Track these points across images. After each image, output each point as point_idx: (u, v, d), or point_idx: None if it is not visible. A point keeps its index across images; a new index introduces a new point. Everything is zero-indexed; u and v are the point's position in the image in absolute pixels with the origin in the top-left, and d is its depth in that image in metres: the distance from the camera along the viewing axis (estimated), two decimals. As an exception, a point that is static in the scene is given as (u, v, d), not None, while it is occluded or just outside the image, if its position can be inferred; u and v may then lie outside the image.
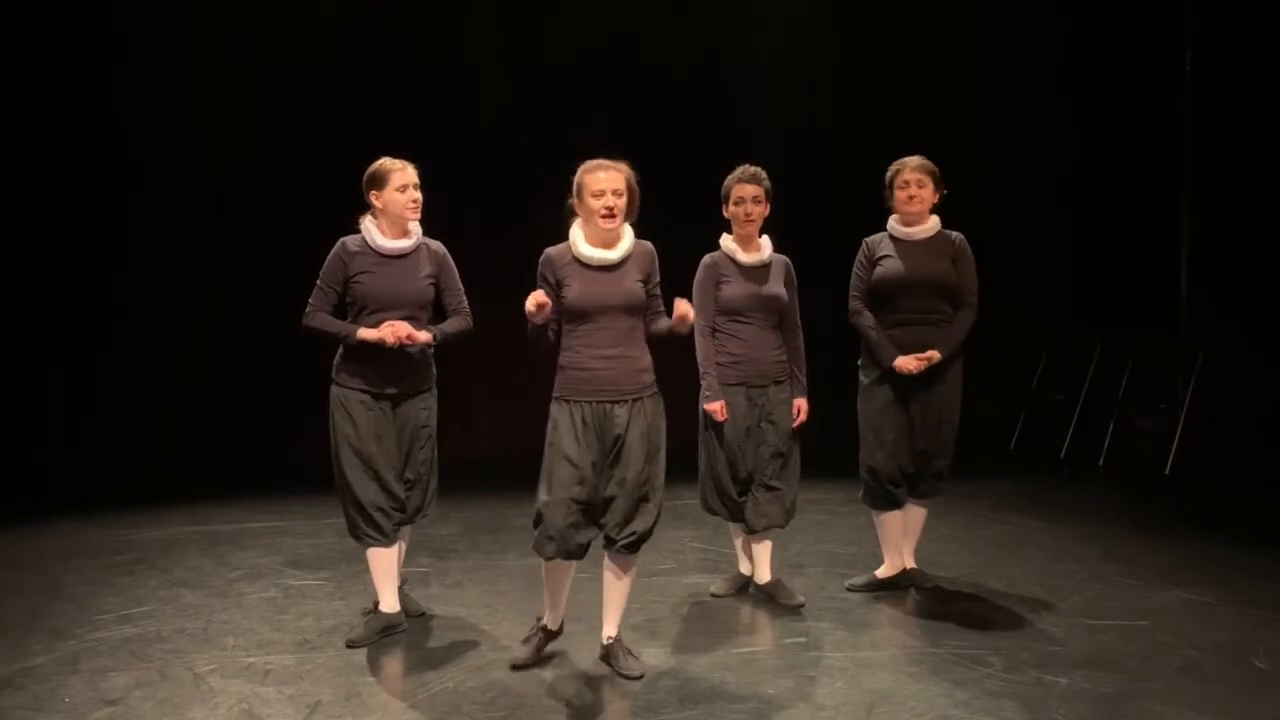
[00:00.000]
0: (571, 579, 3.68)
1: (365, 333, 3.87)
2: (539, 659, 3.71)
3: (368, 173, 3.96)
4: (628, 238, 3.59)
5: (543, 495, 3.52)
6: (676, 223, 4.64)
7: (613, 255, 3.54)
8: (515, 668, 3.67)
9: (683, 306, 3.51)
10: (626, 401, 3.54)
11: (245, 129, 7.41)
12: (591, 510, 3.54)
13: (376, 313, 3.90)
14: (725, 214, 4.33)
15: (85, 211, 7.31)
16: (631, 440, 3.53)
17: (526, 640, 3.76)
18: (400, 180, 3.92)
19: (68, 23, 7.15)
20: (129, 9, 7.19)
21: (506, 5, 7.74)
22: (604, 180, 3.47)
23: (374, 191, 3.95)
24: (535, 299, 3.43)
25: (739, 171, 4.31)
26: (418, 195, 3.96)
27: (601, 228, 3.50)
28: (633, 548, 3.60)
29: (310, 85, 7.48)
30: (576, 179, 3.54)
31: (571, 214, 3.59)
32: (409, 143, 7.20)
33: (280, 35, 7.43)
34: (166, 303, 7.48)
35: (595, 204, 3.48)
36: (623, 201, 3.49)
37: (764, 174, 4.29)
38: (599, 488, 3.54)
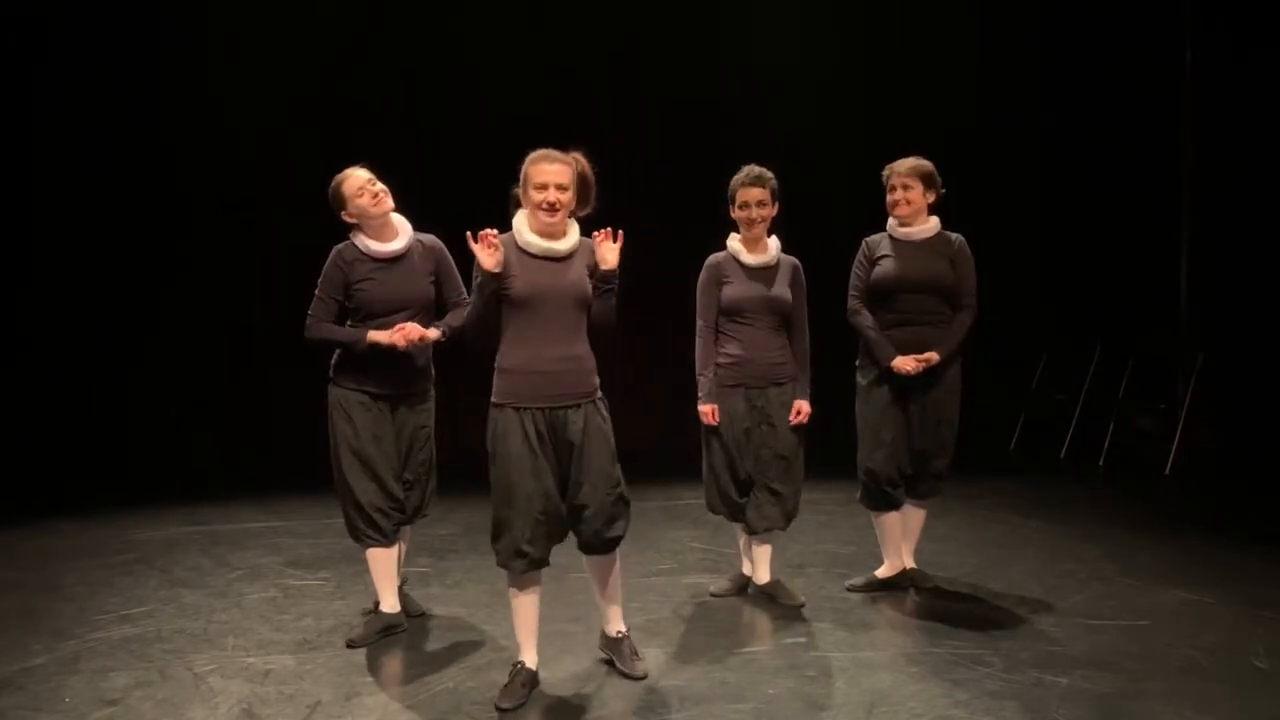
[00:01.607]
0: (540, 600, 3.53)
1: (376, 335, 3.85)
2: (528, 698, 3.45)
3: (329, 198, 3.94)
4: (574, 231, 3.45)
5: (501, 511, 3.39)
6: (683, 223, 4.66)
7: (560, 247, 3.39)
8: (502, 710, 3.38)
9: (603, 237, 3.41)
10: (580, 406, 3.40)
11: (236, 129, 7.41)
12: (554, 520, 3.42)
13: (382, 317, 3.90)
14: (732, 215, 4.32)
15: (83, 214, 7.32)
16: (593, 446, 3.40)
17: (509, 685, 3.46)
18: (354, 187, 3.89)
19: (71, 27, 7.16)
20: (135, 12, 7.23)
21: (511, 4, 7.74)
22: (548, 173, 3.32)
23: (341, 212, 3.94)
24: (486, 242, 3.25)
25: (744, 173, 4.27)
26: (378, 188, 3.91)
27: (542, 222, 3.36)
28: (612, 547, 3.53)
29: (307, 84, 7.48)
30: (522, 168, 3.38)
31: (516, 204, 3.44)
32: (407, 142, 7.26)
33: (272, 32, 7.43)
34: (166, 303, 7.49)
35: (537, 197, 3.33)
36: (566, 196, 3.34)
37: (769, 175, 4.26)
38: (560, 495, 3.43)
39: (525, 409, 3.38)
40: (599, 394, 3.49)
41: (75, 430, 7.26)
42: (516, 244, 3.40)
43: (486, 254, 3.29)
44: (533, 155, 3.39)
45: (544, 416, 3.38)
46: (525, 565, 3.40)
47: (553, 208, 3.34)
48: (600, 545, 3.51)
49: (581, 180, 3.41)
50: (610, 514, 3.46)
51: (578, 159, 3.41)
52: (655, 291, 5.87)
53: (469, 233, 3.31)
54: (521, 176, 3.39)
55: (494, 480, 3.43)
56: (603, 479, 3.42)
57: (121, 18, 7.22)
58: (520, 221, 3.44)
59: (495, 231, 3.32)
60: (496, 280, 3.33)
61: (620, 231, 3.43)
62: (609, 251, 3.41)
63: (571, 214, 3.45)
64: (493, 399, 3.45)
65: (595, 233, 3.43)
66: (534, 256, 3.39)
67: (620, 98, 7.62)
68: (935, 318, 4.33)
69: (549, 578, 3.62)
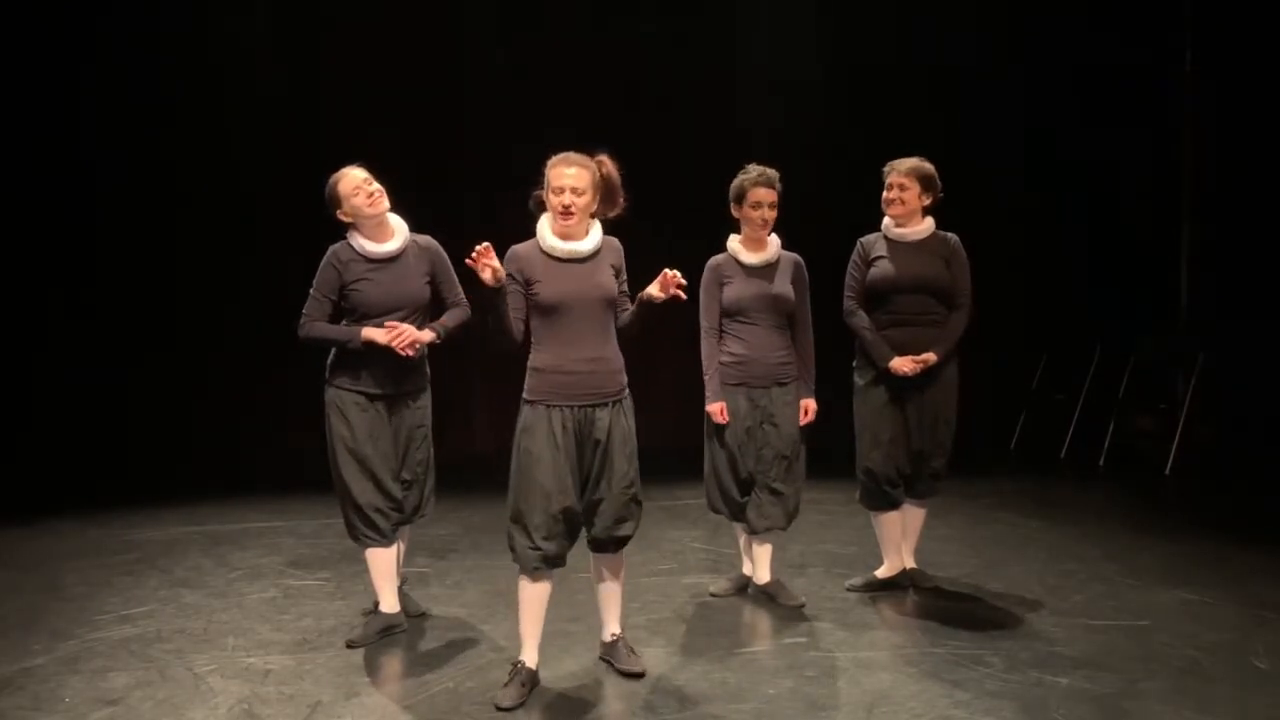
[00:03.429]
0: (549, 598, 3.54)
1: (371, 333, 3.85)
2: (528, 697, 3.45)
3: (325, 197, 3.95)
4: (596, 232, 3.49)
5: (520, 506, 3.41)
6: (683, 223, 4.65)
7: (583, 247, 3.43)
8: (502, 709, 3.38)
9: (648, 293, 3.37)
10: (608, 405, 3.45)
11: (235, 130, 7.42)
12: (571, 518, 3.45)
13: (377, 318, 3.90)
14: (735, 214, 4.31)
15: (83, 212, 7.33)
16: (615, 444, 3.45)
17: (509, 684, 3.46)
18: (349, 186, 3.90)
19: (55, 19, 7.17)
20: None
21: (510, 7, 7.75)
22: (564, 176, 3.36)
23: (337, 211, 3.95)
24: (493, 267, 3.20)
25: (754, 174, 4.25)
26: (373, 188, 3.91)
27: (559, 224, 3.40)
28: (621, 546, 3.58)
29: (307, 87, 7.48)
30: (545, 171, 3.42)
31: (540, 206, 3.48)
32: (406, 143, 7.25)
33: (273, 30, 7.43)
34: (166, 304, 7.49)
35: (554, 200, 3.38)
36: (582, 200, 3.37)
37: (776, 174, 4.27)
38: (579, 494, 3.46)
39: (555, 406, 3.41)
40: (627, 392, 3.54)
41: (75, 430, 7.26)
42: (541, 248, 3.44)
43: (483, 271, 3.25)
44: (554, 158, 3.42)
45: (572, 414, 3.42)
46: (538, 560, 3.42)
47: (567, 210, 3.37)
48: (609, 543, 3.54)
49: (605, 183, 3.45)
50: (621, 513, 3.50)
51: (602, 162, 3.45)
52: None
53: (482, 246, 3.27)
54: (544, 179, 3.43)
55: (515, 474, 3.45)
56: (619, 477, 3.47)
57: (122, 14, 7.23)
58: (544, 225, 3.47)
59: (487, 246, 3.25)
60: (498, 294, 3.31)
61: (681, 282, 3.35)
62: (663, 289, 3.34)
63: (594, 215, 3.48)
64: (524, 395, 3.47)
65: (668, 272, 3.32)
66: (559, 260, 3.42)
67: (618, 99, 7.62)
68: (931, 318, 4.32)
69: (549, 578, 3.63)
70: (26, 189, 7.20)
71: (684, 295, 3.39)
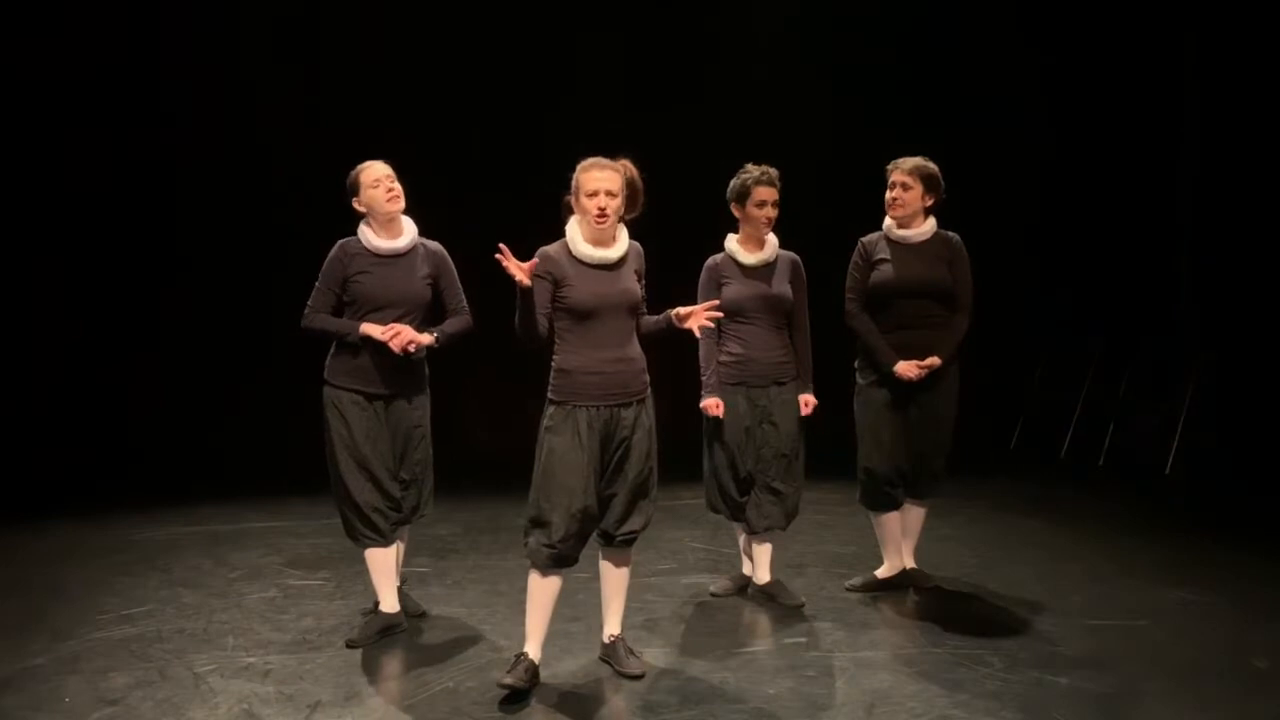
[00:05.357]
0: (558, 596, 3.57)
1: (369, 328, 3.87)
2: (529, 686, 3.48)
3: (346, 184, 3.99)
4: (623, 236, 3.58)
5: (541, 503, 3.45)
6: (679, 225, 4.64)
7: (613, 254, 3.51)
8: (504, 687, 3.45)
9: (684, 311, 3.50)
10: (633, 404, 3.53)
11: (241, 132, 7.42)
12: (589, 518, 3.49)
13: (374, 312, 3.92)
14: (736, 213, 4.30)
15: (87, 214, 7.33)
16: (637, 440, 3.53)
17: (513, 668, 3.50)
18: (371, 177, 3.94)
19: (68, 20, 7.17)
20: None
21: (509, 6, 7.75)
22: (598, 180, 3.44)
23: (354, 199, 3.98)
24: (519, 268, 3.27)
25: (757, 173, 4.25)
26: (393, 185, 3.95)
27: (594, 227, 3.47)
28: (631, 542, 3.63)
29: (315, 91, 7.50)
30: (574, 176, 3.50)
31: (569, 210, 3.56)
32: (411, 143, 7.24)
33: (281, 33, 7.44)
34: (166, 304, 7.49)
35: (589, 204, 3.44)
36: (616, 202, 3.45)
37: (777, 174, 4.27)
38: (599, 492, 3.52)
39: (581, 406, 3.47)
40: (649, 391, 3.61)
41: (75, 430, 7.26)
42: (570, 253, 3.49)
43: (516, 272, 3.30)
44: (584, 163, 3.50)
45: (598, 414, 3.47)
46: (551, 560, 3.46)
47: (603, 213, 3.43)
48: (618, 536, 3.58)
49: (630, 186, 3.52)
50: (633, 507, 3.56)
51: (626, 166, 3.52)
52: (653, 293, 5.88)
53: (500, 246, 3.30)
54: (573, 184, 3.50)
55: (538, 472, 3.49)
56: (636, 473, 3.54)
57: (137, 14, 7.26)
58: (573, 230, 3.53)
59: (503, 248, 3.29)
60: (528, 296, 3.36)
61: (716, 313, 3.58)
62: (693, 321, 3.47)
63: (620, 219, 3.55)
64: (550, 395, 3.52)
65: (710, 312, 3.51)
66: (589, 265, 3.48)
67: (615, 99, 7.62)
68: (933, 320, 4.32)
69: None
70: (28, 185, 7.20)
71: (697, 332, 3.55)
